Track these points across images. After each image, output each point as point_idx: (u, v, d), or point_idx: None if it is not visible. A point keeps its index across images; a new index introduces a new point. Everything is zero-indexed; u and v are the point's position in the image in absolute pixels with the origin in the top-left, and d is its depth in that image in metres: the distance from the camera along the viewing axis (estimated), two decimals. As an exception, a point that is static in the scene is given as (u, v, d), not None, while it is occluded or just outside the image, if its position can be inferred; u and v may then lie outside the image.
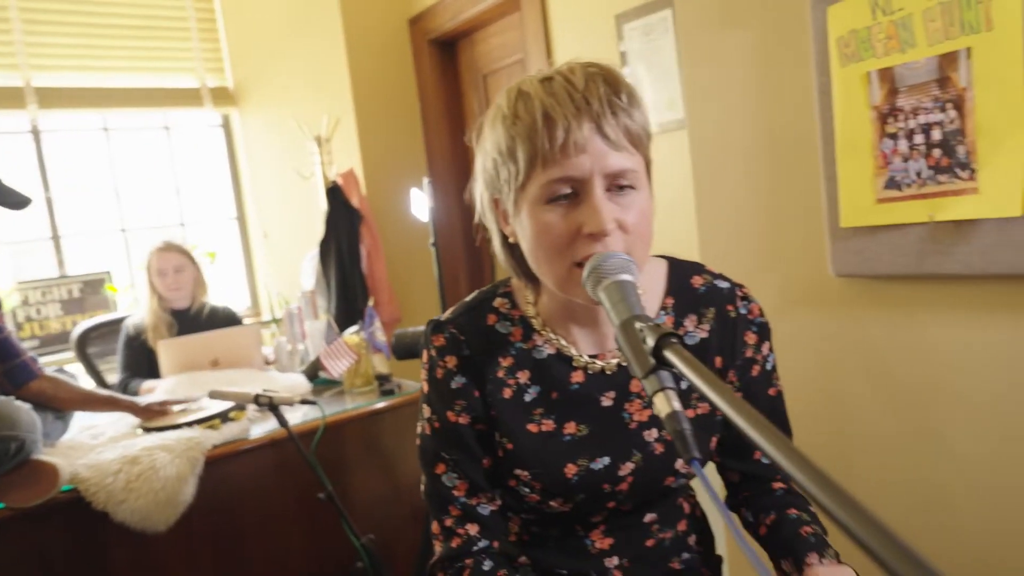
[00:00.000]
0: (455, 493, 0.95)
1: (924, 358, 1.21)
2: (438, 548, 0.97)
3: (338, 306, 3.62)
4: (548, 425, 0.93)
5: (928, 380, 1.21)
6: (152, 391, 2.52)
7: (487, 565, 0.93)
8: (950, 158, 1.07)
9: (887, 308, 1.23)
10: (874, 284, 1.25)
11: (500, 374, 0.93)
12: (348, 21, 3.54)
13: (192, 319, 2.86)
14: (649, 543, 1.00)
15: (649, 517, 0.99)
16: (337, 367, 2.31)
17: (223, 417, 2.06)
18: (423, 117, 3.69)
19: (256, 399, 1.87)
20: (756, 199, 1.42)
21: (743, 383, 0.98)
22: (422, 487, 0.99)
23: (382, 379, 2.41)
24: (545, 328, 0.94)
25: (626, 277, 0.75)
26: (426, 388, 0.97)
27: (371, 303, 2.57)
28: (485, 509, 0.96)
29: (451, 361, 0.94)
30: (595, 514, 0.97)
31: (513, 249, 0.93)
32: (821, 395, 1.38)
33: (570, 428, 0.93)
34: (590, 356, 0.93)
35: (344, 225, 3.63)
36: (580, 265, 0.80)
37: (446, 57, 3.52)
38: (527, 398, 0.93)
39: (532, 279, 0.94)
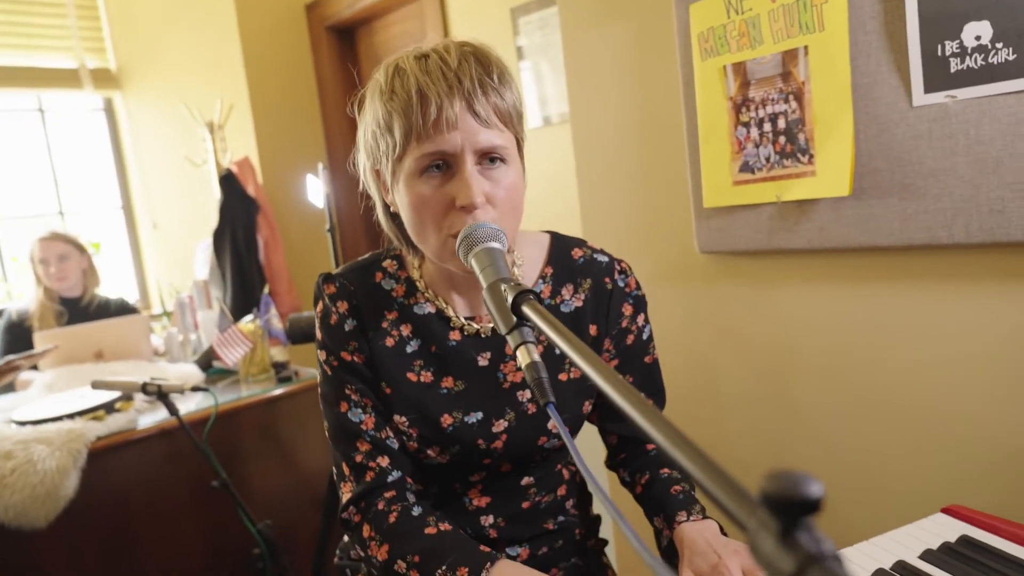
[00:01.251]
0: (363, 427, 0.97)
1: (776, 323, 1.35)
2: (347, 490, 0.98)
3: (234, 298, 3.52)
4: (427, 376, 0.98)
5: (779, 343, 1.35)
6: (28, 385, 2.40)
7: (416, 510, 0.95)
8: (793, 144, 1.19)
9: (745, 281, 1.36)
10: (733, 259, 1.37)
11: (384, 325, 0.99)
12: (241, 4, 3.44)
13: (83, 310, 2.75)
14: (525, 505, 1.06)
15: (526, 480, 1.05)
16: (231, 355, 2.27)
17: (108, 408, 1.99)
18: (321, 104, 3.65)
19: (143, 387, 1.81)
20: (632, 183, 1.53)
21: (619, 351, 1.06)
22: (327, 432, 1.01)
23: (279, 367, 2.39)
24: (428, 290, 1.00)
25: (495, 244, 0.81)
26: (320, 336, 1.01)
27: (266, 290, 2.53)
28: (393, 442, 0.99)
29: (343, 306, 0.99)
30: (473, 472, 1.01)
31: (394, 217, 0.97)
32: (689, 361, 1.51)
33: (447, 382, 0.98)
34: (467, 319, 0.99)
35: (240, 214, 3.54)
36: (455, 237, 0.85)
37: (345, 44, 3.50)
38: (408, 349, 0.98)
39: (413, 247, 0.99)
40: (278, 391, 2.26)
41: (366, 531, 0.95)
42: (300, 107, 3.65)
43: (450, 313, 0.99)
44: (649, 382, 1.10)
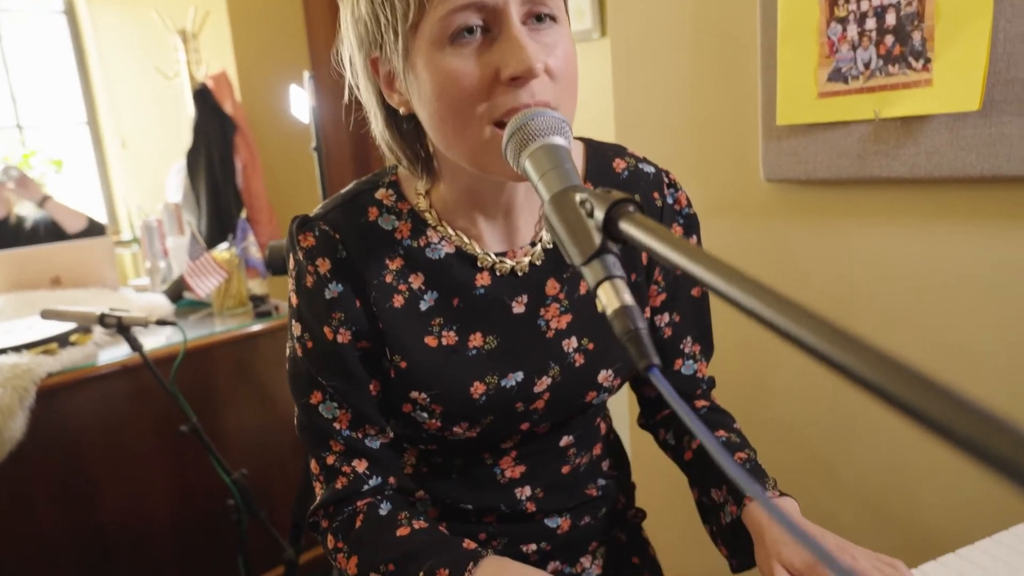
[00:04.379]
0: (336, 426, 0.78)
1: (850, 267, 1.13)
2: (319, 490, 0.81)
3: (210, 226, 3.26)
4: (449, 338, 0.77)
5: (850, 290, 1.14)
6: (-25, 312, 2.15)
7: (384, 508, 0.79)
8: (903, 46, 0.96)
9: (819, 216, 1.14)
10: (807, 190, 1.15)
11: (388, 279, 0.76)
12: None
13: (11, 231, 2.48)
14: (565, 469, 0.90)
15: (565, 440, 0.88)
16: (204, 286, 2.03)
17: (62, 341, 1.76)
18: (306, 10, 3.31)
19: (101, 319, 1.59)
20: (683, 92, 1.28)
21: (668, 282, 0.87)
22: (295, 420, 0.82)
23: (257, 300, 2.16)
24: (441, 223, 0.77)
25: (559, 140, 0.58)
26: (295, 300, 0.78)
27: (244, 215, 2.28)
28: (374, 442, 0.80)
29: (324, 265, 0.75)
30: (505, 439, 0.84)
31: (401, 124, 0.74)
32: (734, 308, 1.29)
33: (476, 340, 0.78)
34: (498, 254, 0.78)
35: (215, 134, 3.24)
36: (502, 126, 0.62)
37: (333, -56, 3.14)
38: (423, 306, 0.77)
39: (426, 164, 0.76)
40: (256, 327, 2.04)
41: (331, 541, 0.79)
42: (283, 15, 3.31)
43: (475, 249, 0.77)
44: (697, 321, 0.91)
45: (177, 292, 2.25)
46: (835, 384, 1.21)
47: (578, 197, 0.51)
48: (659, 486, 1.40)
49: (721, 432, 0.90)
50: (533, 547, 0.90)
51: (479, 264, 0.77)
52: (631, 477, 1.05)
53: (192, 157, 3.29)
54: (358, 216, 0.77)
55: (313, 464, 0.81)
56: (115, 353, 1.82)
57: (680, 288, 0.89)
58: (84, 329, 1.83)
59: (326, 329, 0.76)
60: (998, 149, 0.91)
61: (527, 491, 0.87)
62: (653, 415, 1.00)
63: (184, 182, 3.35)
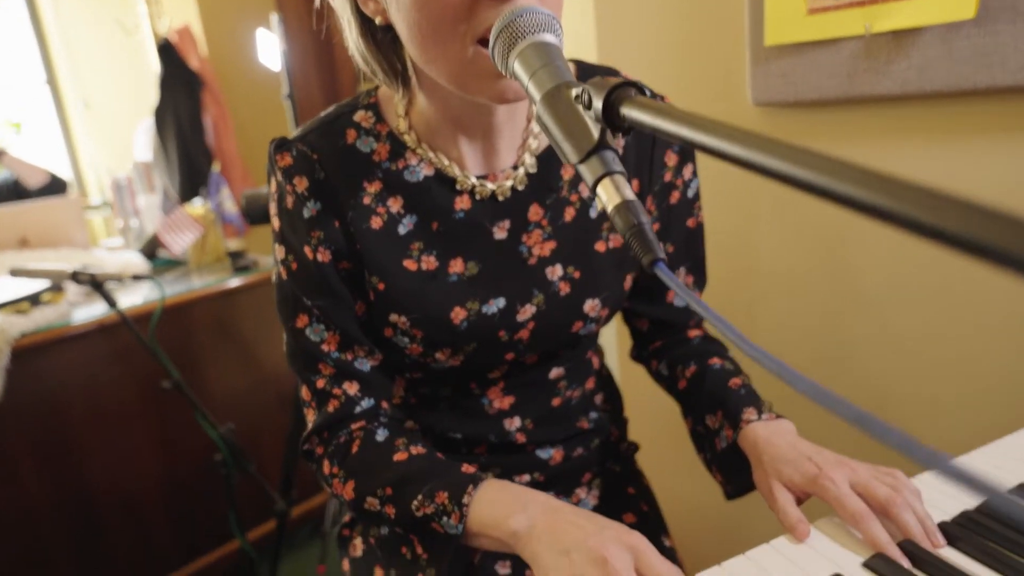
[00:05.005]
0: (324, 348, 0.78)
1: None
2: (311, 417, 0.81)
3: (182, 184, 3.17)
4: (429, 262, 0.76)
5: (840, 217, 1.13)
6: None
7: (381, 435, 0.78)
8: (896, -45, 0.93)
9: (810, 139, 1.12)
10: (797, 113, 1.12)
11: (366, 201, 0.75)
12: None
13: None
14: (555, 402, 0.89)
15: (555, 373, 0.87)
16: (179, 242, 1.98)
17: (33, 300, 1.71)
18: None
19: (74, 276, 1.54)
20: (667, 17, 1.24)
21: (661, 211, 0.85)
22: (284, 347, 0.81)
23: (235, 256, 2.11)
24: (421, 145, 0.75)
25: (549, 37, 0.55)
26: (277, 224, 0.77)
27: (217, 168, 2.21)
28: (364, 364, 0.79)
29: (301, 184, 0.74)
30: (492, 369, 0.83)
31: (376, 34, 0.70)
32: (729, 236, 1.28)
33: (456, 266, 0.76)
34: (478, 177, 0.76)
35: (182, 91, 3.13)
36: (486, 44, 0.58)
37: None
38: (402, 230, 0.75)
39: (403, 79, 0.73)
40: (235, 282, 1.99)
41: (326, 467, 0.78)
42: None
43: (455, 172, 0.75)
44: (691, 251, 0.90)
45: (151, 250, 2.19)
46: (823, 315, 1.21)
47: (573, 91, 0.48)
48: (650, 421, 1.40)
49: (716, 360, 0.90)
50: (526, 478, 0.89)
51: (458, 187, 0.75)
52: (624, 411, 1.05)
53: (160, 115, 3.18)
54: (336, 139, 0.75)
55: (304, 391, 0.80)
56: (90, 312, 1.78)
57: (674, 218, 0.86)
58: (56, 288, 1.78)
59: (307, 248, 0.74)
60: (992, 59, 0.89)
61: (516, 422, 0.87)
62: (646, 347, 0.99)
63: (153, 140, 3.24)
